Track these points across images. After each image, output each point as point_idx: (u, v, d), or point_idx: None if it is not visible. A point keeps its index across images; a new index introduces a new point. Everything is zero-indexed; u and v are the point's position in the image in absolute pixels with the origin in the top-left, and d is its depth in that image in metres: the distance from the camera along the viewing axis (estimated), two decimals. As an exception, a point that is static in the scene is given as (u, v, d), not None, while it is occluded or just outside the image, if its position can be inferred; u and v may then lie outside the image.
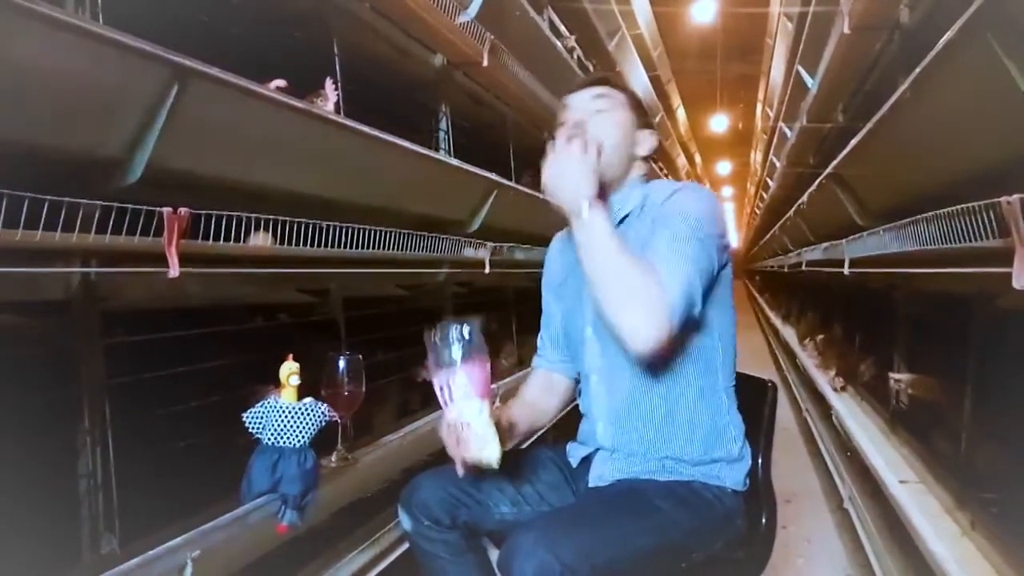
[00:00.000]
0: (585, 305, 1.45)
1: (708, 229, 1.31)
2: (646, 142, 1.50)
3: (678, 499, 1.30)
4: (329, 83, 2.12)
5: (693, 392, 1.37)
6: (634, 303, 1.22)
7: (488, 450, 1.23)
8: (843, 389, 3.40)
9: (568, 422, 1.60)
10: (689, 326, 1.29)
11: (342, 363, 1.80)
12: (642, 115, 1.52)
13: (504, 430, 1.31)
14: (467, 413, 1.23)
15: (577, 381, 1.57)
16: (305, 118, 1.83)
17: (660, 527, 1.25)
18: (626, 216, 1.43)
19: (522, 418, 1.47)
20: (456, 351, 1.26)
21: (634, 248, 1.31)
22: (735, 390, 1.45)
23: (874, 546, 2.37)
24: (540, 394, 1.59)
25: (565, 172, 1.29)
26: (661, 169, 10.52)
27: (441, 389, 1.26)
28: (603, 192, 1.40)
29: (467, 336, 1.27)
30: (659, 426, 1.37)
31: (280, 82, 1.83)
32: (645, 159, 1.51)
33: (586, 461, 1.45)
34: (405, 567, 2.08)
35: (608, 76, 1.56)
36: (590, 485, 1.41)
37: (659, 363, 1.35)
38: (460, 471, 1.29)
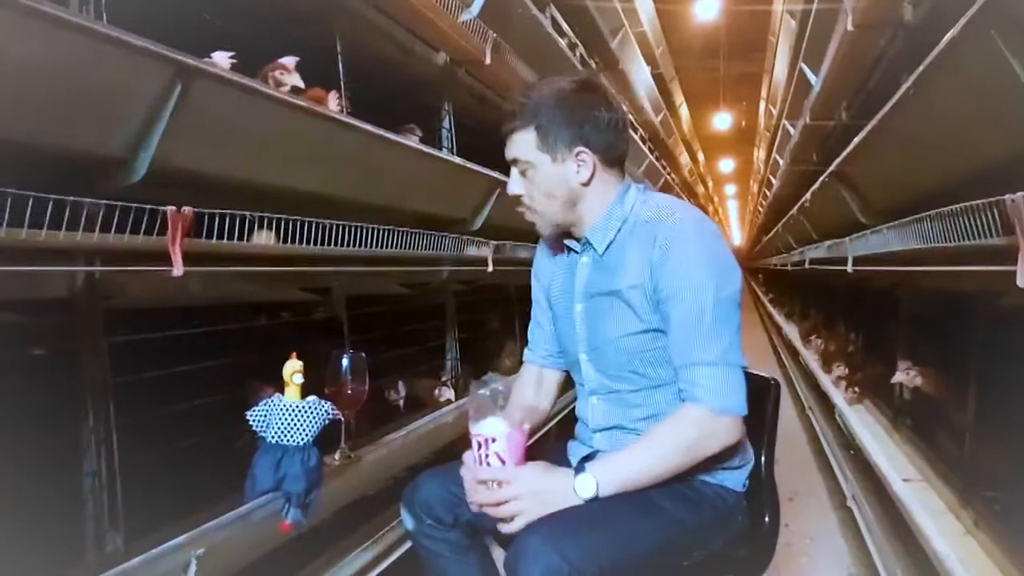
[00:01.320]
0: (577, 331, 1.44)
1: (726, 287, 1.28)
2: (580, 167, 1.34)
3: (681, 498, 1.30)
4: (288, 59, 1.87)
5: None
6: (697, 449, 1.27)
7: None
8: (858, 400, 3.33)
9: (569, 422, 1.60)
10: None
11: (345, 361, 1.80)
12: (560, 140, 1.32)
13: None
14: (501, 477, 1.27)
15: (567, 374, 1.57)
16: (308, 117, 1.83)
17: (663, 526, 1.26)
18: (610, 244, 1.38)
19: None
20: (497, 413, 1.31)
21: (627, 266, 1.32)
22: None
23: (877, 544, 2.37)
24: (534, 395, 1.58)
25: (538, 495, 1.23)
26: (664, 167, 10.48)
27: (479, 445, 1.29)
28: (576, 230, 1.41)
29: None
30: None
31: (291, 59, 1.82)
32: (612, 170, 1.37)
33: (587, 460, 1.45)
34: (408, 565, 2.08)
35: (511, 119, 1.35)
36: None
37: (658, 378, 1.36)
38: (475, 509, 1.31)
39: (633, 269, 1.32)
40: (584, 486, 1.23)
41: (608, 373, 1.40)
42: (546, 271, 1.55)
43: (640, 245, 1.32)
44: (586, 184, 1.35)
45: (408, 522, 1.43)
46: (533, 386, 1.59)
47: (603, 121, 1.34)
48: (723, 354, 1.26)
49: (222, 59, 1.58)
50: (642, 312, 1.32)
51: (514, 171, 1.39)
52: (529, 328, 1.62)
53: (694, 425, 1.26)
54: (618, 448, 1.35)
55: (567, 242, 1.46)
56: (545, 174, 1.34)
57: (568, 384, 1.59)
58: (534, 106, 1.33)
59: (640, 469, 1.26)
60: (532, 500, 1.23)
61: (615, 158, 1.38)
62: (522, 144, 1.35)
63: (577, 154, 1.33)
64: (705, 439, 1.26)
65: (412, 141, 2.50)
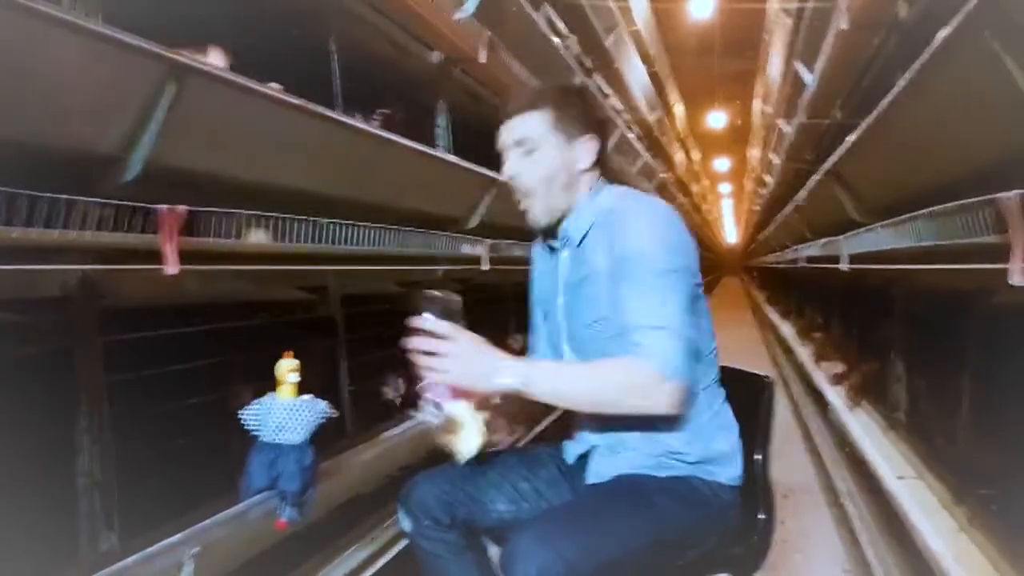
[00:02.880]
0: (560, 320, 1.44)
1: (674, 261, 1.28)
2: (585, 153, 1.38)
3: (676, 495, 1.30)
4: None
5: None
6: (630, 398, 1.24)
7: (463, 443, 1.31)
8: (852, 398, 3.32)
9: (564, 419, 1.60)
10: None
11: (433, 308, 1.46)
12: (575, 123, 1.37)
13: (490, 423, 1.34)
14: (453, 408, 1.29)
15: None
16: (302, 115, 1.83)
17: (658, 523, 1.26)
18: (585, 235, 1.39)
19: (519, 408, 1.46)
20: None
21: (597, 253, 1.33)
22: (722, 385, 1.43)
23: (872, 541, 2.38)
24: None
25: (469, 367, 1.22)
26: (660, 166, 10.48)
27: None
28: (559, 219, 1.41)
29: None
30: (643, 427, 1.36)
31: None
32: (596, 165, 1.42)
33: (583, 458, 1.45)
34: (403, 563, 2.08)
35: (523, 101, 1.39)
36: (588, 482, 1.41)
37: None
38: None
39: (601, 255, 1.35)
40: (512, 373, 1.22)
41: (590, 358, 1.38)
42: (537, 277, 1.57)
43: (606, 232, 1.35)
44: (585, 171, 1.39)
45: (405, 523, 1.43)
46: None
47: (606, 117, 1.39)
48: (669, 319, 1.24)
49: None
50: (610, 296, 1.33)
51: (513, 154, 1.39)
52: (530, 330, 1.62)
53: (638, 376, 1.22)
54: (613, 441, 1.37)
55: (549, 243, 1.48)
56: (552, 155, 1.37)
57: None
58: (553, 90, 1.40)
59: (570, 388, 1.27)
60: (455, 363, 1.22)
61: (601, 156, 1.43)
62: (533, 124, 1.36)
63: (588, 140, 1.38)
64: (642, 393, 1.23)
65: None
